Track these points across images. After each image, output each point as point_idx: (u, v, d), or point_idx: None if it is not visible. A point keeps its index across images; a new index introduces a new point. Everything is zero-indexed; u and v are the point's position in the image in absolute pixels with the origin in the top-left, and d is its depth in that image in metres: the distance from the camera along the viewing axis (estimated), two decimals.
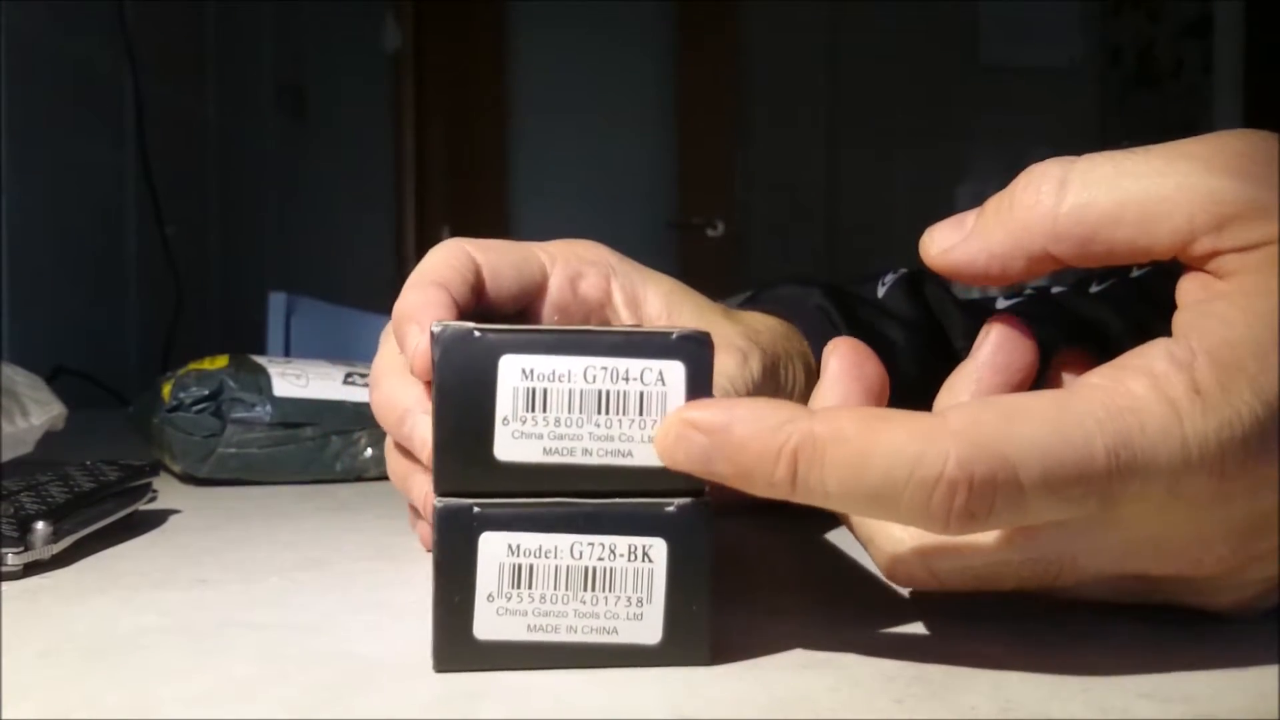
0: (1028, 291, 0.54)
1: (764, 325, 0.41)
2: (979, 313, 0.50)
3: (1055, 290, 0.54)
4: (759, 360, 0.37)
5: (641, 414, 0.24)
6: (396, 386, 0.33)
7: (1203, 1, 2.62)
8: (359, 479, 0.56)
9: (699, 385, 0.24)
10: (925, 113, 2.87)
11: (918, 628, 0.28)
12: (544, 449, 0.24)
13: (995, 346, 0.28)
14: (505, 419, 0.24)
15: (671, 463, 0.23)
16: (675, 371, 0.24)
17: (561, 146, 2.88)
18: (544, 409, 0.24)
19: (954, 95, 2.88)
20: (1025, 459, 0.22)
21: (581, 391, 0.24)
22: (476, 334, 0.24)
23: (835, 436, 0.22)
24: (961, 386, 0.28)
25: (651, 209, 2.87)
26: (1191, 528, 0.24)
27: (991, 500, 0.22)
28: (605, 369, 0.24)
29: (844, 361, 0.27)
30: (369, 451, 0.56)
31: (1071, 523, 0.23)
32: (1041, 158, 0.26)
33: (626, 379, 0.24)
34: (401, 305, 0.32)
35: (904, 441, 0.22)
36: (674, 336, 0.24)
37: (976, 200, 0.27)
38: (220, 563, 0.36)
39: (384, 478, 0.57)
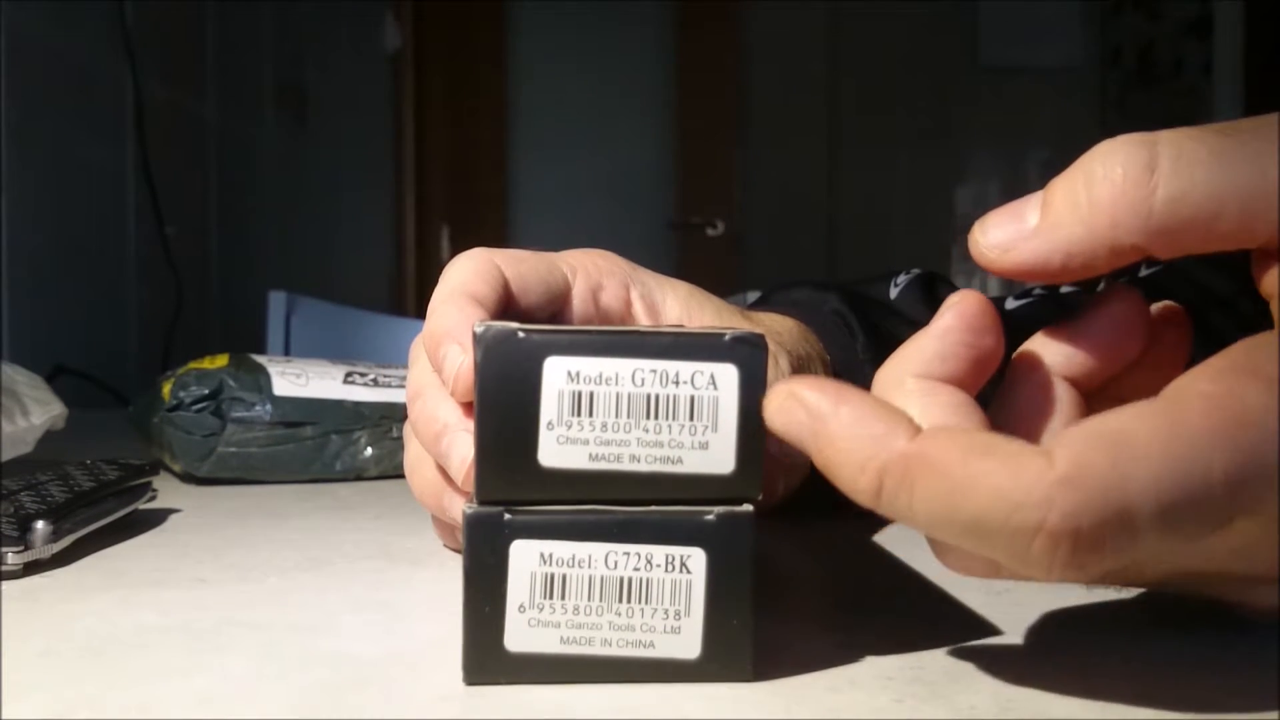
0: (1037, 291, 0.54)
1: (782, 327, 0.41)
2: None
3: (1065, 290, 0.54)
4: (787, 361, 0.37)
5: (692, 419, 0.23)
6: (438, 402, 0.31)
7: (1203, 1, 2.62)
8: (359, 478, 0.56)
9: (752, 390, 0.23)
10: (925, 113, 2.87)
11: (917, 627, 0.28)
12: (590, 455, 0.23)
13: (958, 322, 0.24)
14: (550, 423, 0.23)
15: (772, 425, 0.22)
16: (728, 375, 0.23)
17: (561, 146, 2.88)
18: (590, 413, 0.23)
19: (954, 95, 2.87)
20: (1140, 502, 0.20)
21: (629, 395, 0.23)
22: (520, 335, 0.23)
23: (928, 465, 0.20)
24: (915, 358, 0.25)
25: (651, 209, 2.87)
26: (1275, 533, 0.22)
27: (1101, 550, 0.20)
28: (654, 372, 0.23)
29: (961, 320, 0.24)
30: (369, 450, 0.56)
31: None
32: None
33: (676, 382, 0.23)
34: (436, 321, 0.30)
35: (1002, 483, 0.20)
36: (727, 338, 0.23)
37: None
38: (220, 562, 0.36)
39: (384, 477, 0.57)
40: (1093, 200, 0.23)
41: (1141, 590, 0.26)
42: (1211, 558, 0.23)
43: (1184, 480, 0.20)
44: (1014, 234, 0.24)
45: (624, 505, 0.23)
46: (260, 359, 0.57)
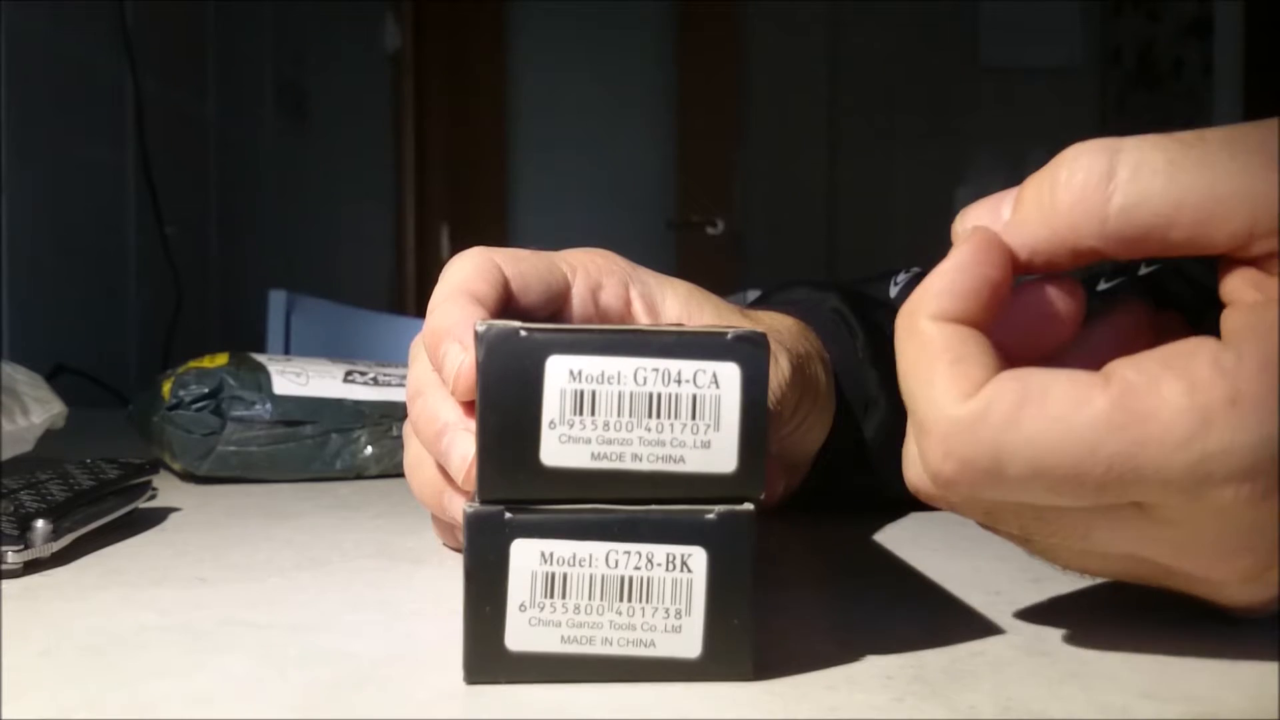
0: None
1: (782, 325, 0.41)
2: None
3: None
4: (787, 359, 0.37)
5: (694, 418, 0.23)
6: (439, 401, 0.31)
7: (1203, 1, 2.62)
8: (359, 477, 0.56)
9: (754, 388, 0.23)
10: (925, 113, 2.87)
11: (917, 626, 0.28)
12: (592, 454, 0.23)
13: (974, 253, 0.24)
14: (552, 422, 0.23)
15: None
16: (730, 374, 0.23)
17: (561, 146, 2.87)
18: (592, 412, 0.23)
19: (954, 95, 2.87)
20: (1014, 459, 0.22)
21: (631, 394, 0.23)
22: (523, 333, 0.23)
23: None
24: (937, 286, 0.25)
25: (651, 209, 2.87)
26: (1216, 533, 0.23)
27: (967, 487, 0.22)
28: (656, 370, 0.23)
29: (974, 252, 0.24)
30: (369, 449, 0.56)
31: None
32: (1041, 158, 0.25)
33: (679, 381, 0.23)
34: (436, 320, 0.30)
35: (935, 395, 0.23)
36: (729, 337, 0.23)
37: (976, 200, 0.26)
38: (220, 561, 0.36)
39: (384, 476, 0.57)
40: (1055, 204, 0.24)
41: (1140, 588, 0.27)
42: (1139, 538, 0.24)
43: (1067, 449, 0.21)
44: (989, 226, 0.25)
45: (625, 504, 0.23)
46: (260, 358, 0.57)
